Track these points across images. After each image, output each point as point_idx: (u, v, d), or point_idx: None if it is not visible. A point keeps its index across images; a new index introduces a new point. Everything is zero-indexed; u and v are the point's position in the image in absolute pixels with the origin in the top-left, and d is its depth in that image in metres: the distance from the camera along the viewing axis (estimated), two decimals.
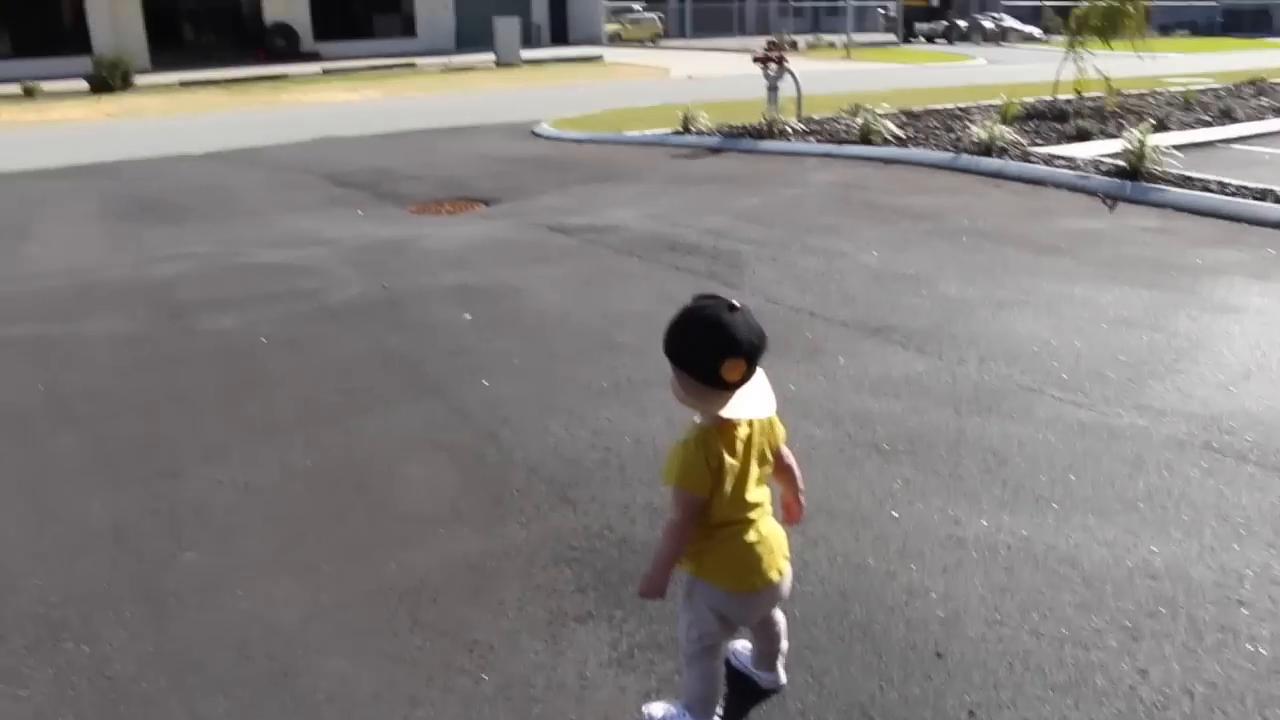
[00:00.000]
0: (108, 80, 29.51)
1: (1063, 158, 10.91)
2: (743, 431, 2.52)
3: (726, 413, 2.42)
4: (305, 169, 13.88)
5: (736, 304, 2.39)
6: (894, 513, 3.86)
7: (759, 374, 2.47)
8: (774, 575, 2.62)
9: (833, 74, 25.94)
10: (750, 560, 2.58)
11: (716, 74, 28.70)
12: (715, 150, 13.40)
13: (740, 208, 9.41)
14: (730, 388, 2.40)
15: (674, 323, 2.46)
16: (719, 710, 2.79)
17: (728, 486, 2.48)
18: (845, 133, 13.25)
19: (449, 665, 3.10)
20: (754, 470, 2.55)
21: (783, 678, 2.95)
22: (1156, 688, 2.89)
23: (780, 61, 14.46)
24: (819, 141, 13.04)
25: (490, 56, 35.58)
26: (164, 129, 20.08)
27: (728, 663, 2.92)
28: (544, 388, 5.20)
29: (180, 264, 8.31)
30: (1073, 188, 9.70)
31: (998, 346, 5.54)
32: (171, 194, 12.47)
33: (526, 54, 36.14)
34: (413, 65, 35.77)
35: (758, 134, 13.75)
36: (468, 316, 6.43)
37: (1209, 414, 4.63)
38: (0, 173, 14.91)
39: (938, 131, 13.30)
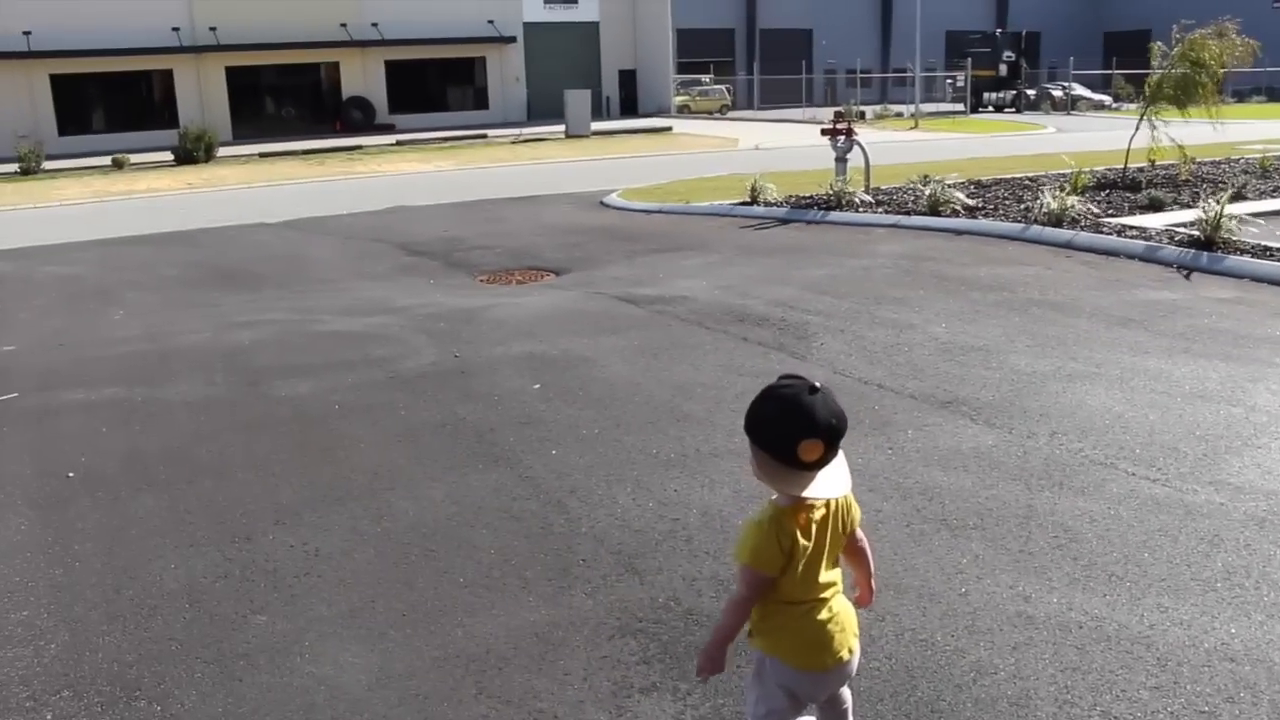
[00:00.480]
0: (192, 152, 30.54)
1: (1135, 228, 10.81)
2: (818, 512, 2.53)
3: (805, 493, 2.43)
4: (378, 238, 14.20)
5: (818, 385, 2.41)
6: (962, 589, 3.82)
7: (839, 455, 2.47)
8: (844, 654, 2.63)
9: (900, 144, 25.99)
10: (822, 639, 2.58)
11: (784, 145, 28.91)
12: (783, 221, 13.47)
13: (808, 279, 9.43)
14: (807, 468, 2.41)
15: (755, 402, 2.47)
16: None
17: (800, 566, 2.49)
18: (913, 203, 13.25)
19: None
20: (828, 550, 2.56)
21: None
22: None
23: (848, 133, 14.56)
24: (887, 212, 13.05)
25: (561, 128, 36.23)
26: (243, 198, 20.69)
27: None
28: (611, 458, 5.24)
29: (257, 330, 8.52)
30: (1146, 258, 9.59)
31: (1069, 420, 5.47)
32: (249, 262, 12.82)
33: (597, 125, 36.74)
34: (484, 136, 36.55)
35: (825, 205, 13.80)
36: (537, 386, 6.50)
37: None
38: (88, 240, 15.45)
39: (1007, 202, 13.25)
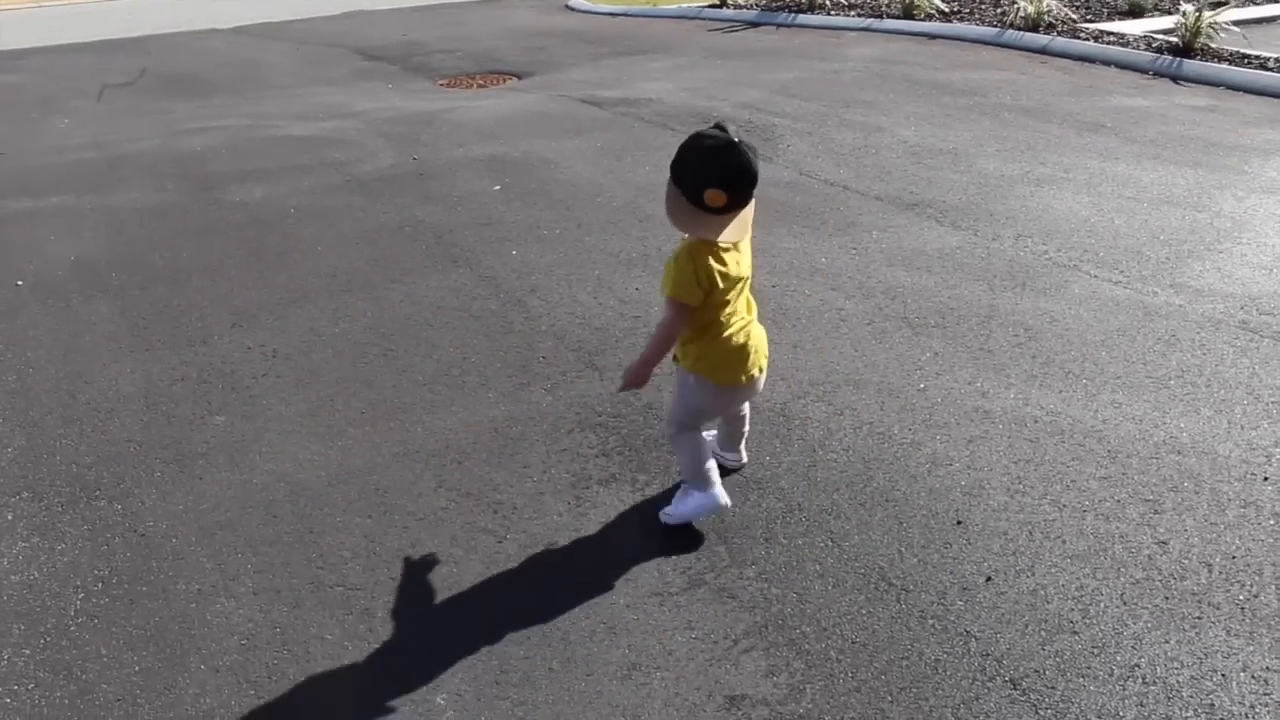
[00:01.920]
0: None
1: (1113, 33, 10.54)
2: (728, 252, 2.74)
3: (710, 235, 2.65)
4: (334, 43, 13.69)
5: (737, 140, 2.57)
6: (921, 385, 3.83)
7: (749, 208, 2.70)
8: (755, 372, 2.95)
9: None
10: (739, 359, 2.89)
11: None
12: (752, 24, 13.05)
13: (776, 82, 9.19)
14: (714, 213, 2.62)
15: (682, 146, 2.63)
16: (716, 481, 3.04)
17: (716, 297, 2.73)
18: (886, 6, 12.84)
19: (473, 525, 3.14)
20: (738, 285, 2.80)
21: (744, 457, 3.37)
22: (1175, 559, 2.88)
23: None
24: (860, 15, 12.65)
25: None
26: (192, 3, 19.80)
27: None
28: (573, 257, 5.17)
29: (209, 137, 8.25)
30: (1122, 64, 9.38)
31: (1035, 223, 5.43)
32: (199, 69, 12.35)
33: None
34: None
35: (796, 8, 13.36)
36: (497, 188, 6.36)
37: (1248, 294, 4.54)
38: (28, 48, 14.82)
39: (984, 6, 12.85)
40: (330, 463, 3.50)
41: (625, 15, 14.81)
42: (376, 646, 2.68)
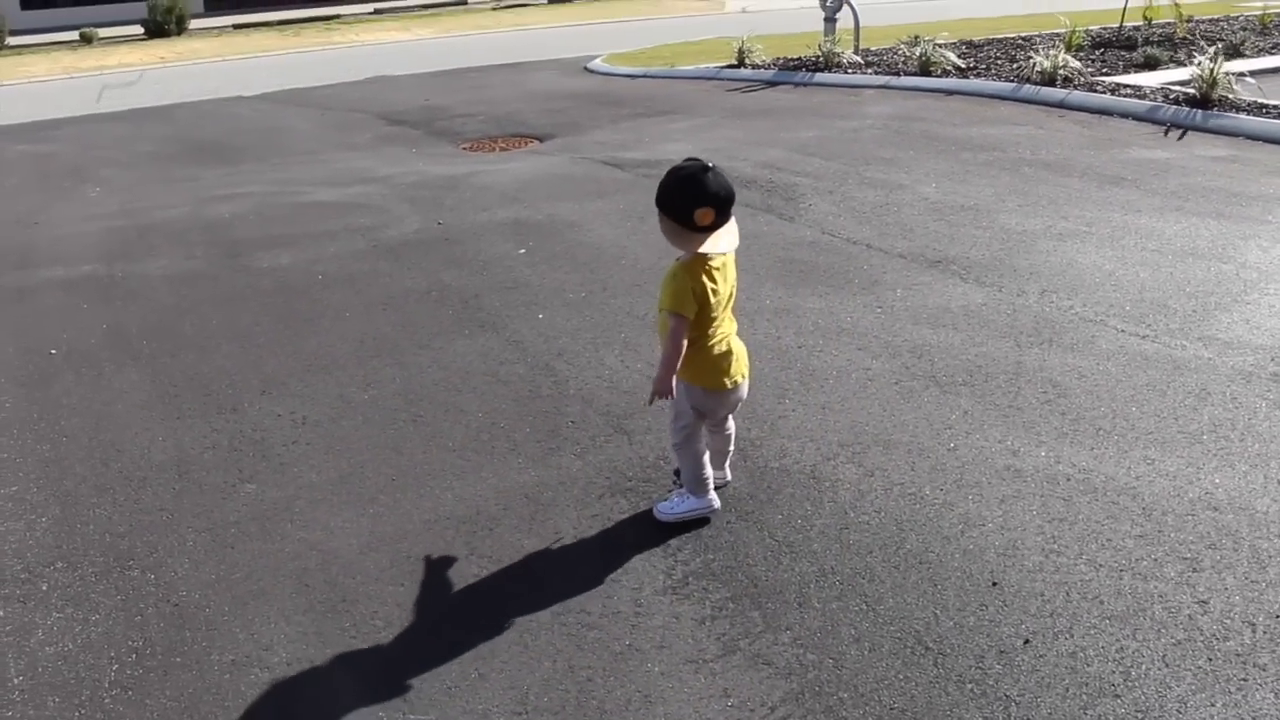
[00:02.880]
0: (163, 24, 29.68)
1: (1129, 86, 10.59)
2: (716, 264, 3.15)
3: (704, 249, 3.07)
4: (358, 108, 13.90)
5: (710, 164, 3.06)
6: (951, 444, 3.82)
7: (730, 222, 3.13)
8: (739, 378, 3.31)
9: (890, 4, 25.36)
10: (723, 366, 3.26)
11: (771, 7, 28.17)
12: (770, 83, 13.19)
13: (796, 141, 9.27)
14: (702, 230, 3.05)
15: (663, 181, 3.09)
16: (711, 489, 3.41)
17: (707, 309, 3.12)
18: (904, 64, 12.95)
19: (504, 593, 3.13)
20: (725, 297, 3.20)
21: (729, 475, 3.64)
22: (1217, 619, 2.84)
23: None
24: (876, 73, 12.77)
25: None
26: (218, 72, 20.19)
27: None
28: (599, 320, 5.20)
29: (236, 204, 8.37)
30: (1140, 117, 9.42)
31: (1059, 279, 5.43)
32: (226, 135, 12.56)
33: None
34: (465, 3, 35.55)
35: (814, 67, 13.50)
36: (522, 251, 6.42)
37: (1278, 345, 4.51)
38: (60, 118, 15.11)
39: (999, 61, 12.96)
40: (361, 530, 3.51)
41: (644, 76, 14.99)
42: (411, 717, 2.67)
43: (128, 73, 21.59)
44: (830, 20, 14.22)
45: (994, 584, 3.03)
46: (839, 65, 13.33)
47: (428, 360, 4.86)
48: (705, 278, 3.10)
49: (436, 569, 3.28)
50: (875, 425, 3.99)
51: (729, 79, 13.87)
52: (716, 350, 3.23)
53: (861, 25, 14.46)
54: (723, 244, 3.10)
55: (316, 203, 8.22)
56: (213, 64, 22.53)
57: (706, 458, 3.41)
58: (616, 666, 2.80)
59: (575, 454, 3.91)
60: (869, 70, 13.03)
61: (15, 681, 2.90)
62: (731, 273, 3.24)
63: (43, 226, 8.23)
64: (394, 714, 2.68)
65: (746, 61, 14.34)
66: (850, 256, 5.95)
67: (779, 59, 14.34)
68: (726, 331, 3.27)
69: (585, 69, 16.21)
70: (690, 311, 3.09)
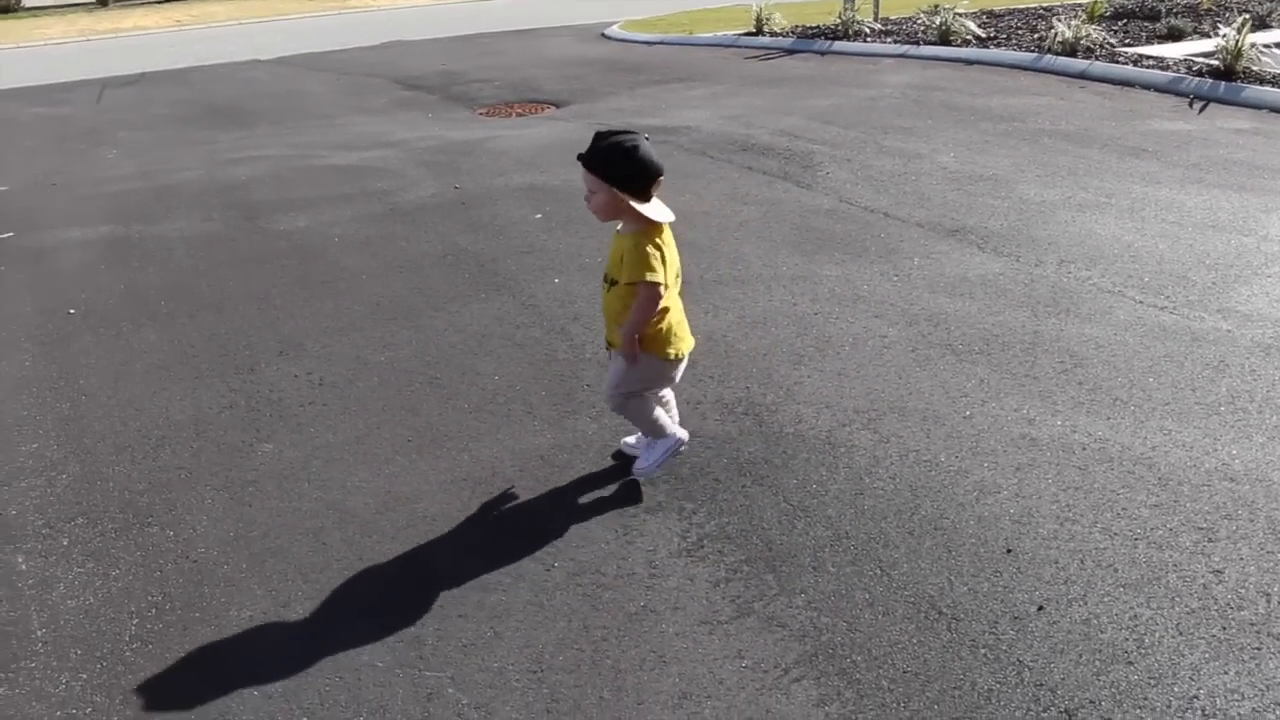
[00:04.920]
0: None
1: (1152, 57, 10.49)
2: (665, 235, 3.16)
3: (660, 217, 3.10)
4: (374, 73, 13.87)
5: (647, 136, 3.09)
6: (967, 412, 3.82)
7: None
8: (686, 348, 3.33)
9: None
10: (678, 334, 3.28)
11: None
12: (789, 51, 13.11)
13: (814, 109, 9.22)
14: (649, 200, 3.10)
15: (618, 155, 3.04)
16: (669, 425, 3.44)
17: (669, 274, 3.14)
18: (923, 33, 12.86)
19: (520, 553, 3.15)
20: (675, 261, 3.22)
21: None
22: (1232, 588, 2.84)
23: None
24: (896, 42, 12.68)
25: None
26: (234, 35, 20.13)
27: (629, 451, 3.64)
28: None
29: (253, 166, 8.38)
30: (1162, 89, 9.34)
31: (1078, 249, 5.40)
32: (242, 99, 12.56)
33: None
34: None
35: (833, 35, 13.41)
36: (538, 216, 6.42)
37: None
38: (76, 80, 15.11)
39: (1020, 31, 12.86)
40: (378, 490, 3.53)
41: (662, 44, 14.91)
42: (426, 674, 2.69)
43: (143, 35, 21.53)
44: None
45: (1008, 551, 3.03)
46: (858, 34, 13.25)
47: (444, 323, 4.87)
48: (663, 246, 3.13)
49: (452, 529, 3.29)
50: (891, 392, 3.98)
51: (747, 46, 13.80)
52: (673, 318, 3.26)
53: None
54: (668, 212, 3.14)
55: (333, 166, 8.22)
56: (229, 27, 22.48)
57: (648, 399, 3.41)
58: (631, 627, 2.82)
59: (591, 417, 3.92)
60: (888, 39, 12.94)
61: (38, 634, 2.93)
62: (671, 236, 3.24)
63: (60, 188, 8.26)
64: (410, 672, 2.70)
65: (765, 29, 14.26)
66: (867, 225, 5.92)
67: (797, 27, 14.26)
68: (677, 298, 3.30)
69: (602, 35, 16.13)
70: (663, 278, 3.10)
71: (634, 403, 3.36)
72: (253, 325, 5.00)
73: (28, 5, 28.77)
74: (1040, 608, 2.80)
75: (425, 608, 2.94)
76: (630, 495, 3.41)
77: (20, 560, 3.28)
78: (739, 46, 13.88)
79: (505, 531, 3.26)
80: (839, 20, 13.63)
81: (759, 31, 14.30)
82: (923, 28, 13.09)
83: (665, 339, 3.24)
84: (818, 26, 14.10)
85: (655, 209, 3.11)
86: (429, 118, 10.40)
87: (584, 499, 3.41)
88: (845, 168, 7.15)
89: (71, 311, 5.36)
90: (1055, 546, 3.04)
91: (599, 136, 3.10)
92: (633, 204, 3.07)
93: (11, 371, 4.69)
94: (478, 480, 3.54)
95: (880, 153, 7.52)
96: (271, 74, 14.87)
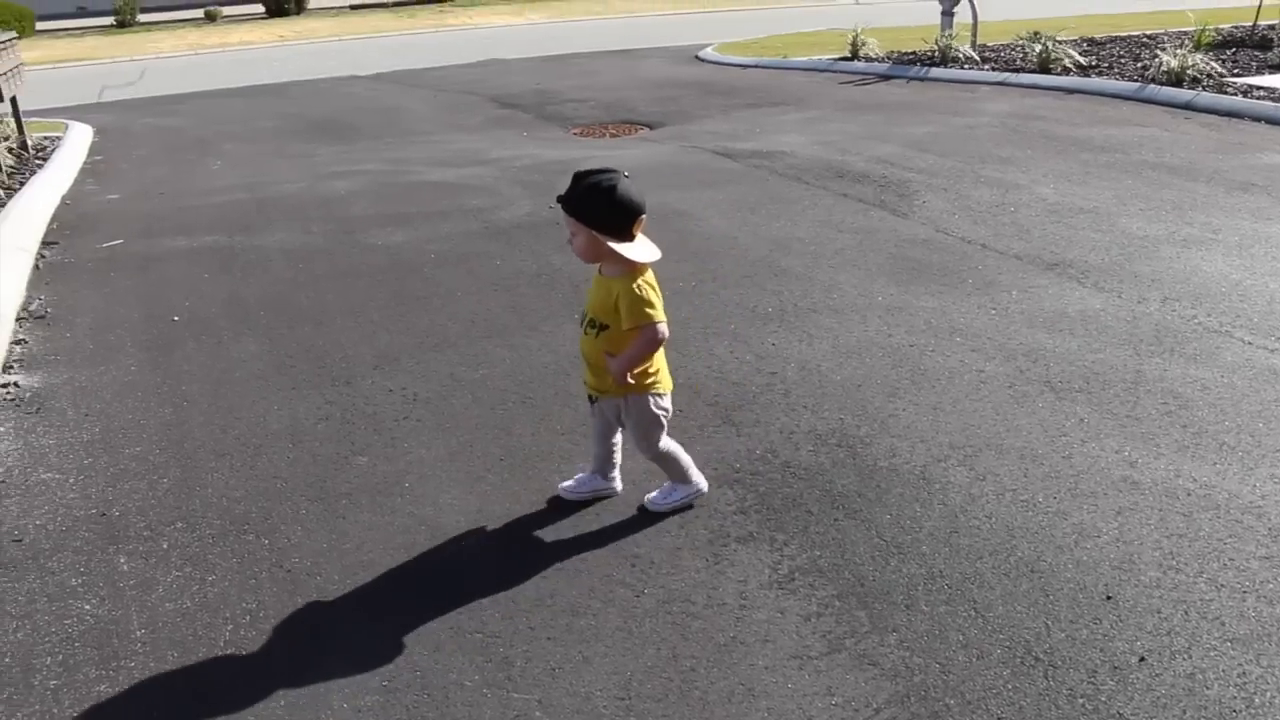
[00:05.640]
0: (283, 4, 30.45)
1: (1263, 88, 10.21)
2: (650, 272, 3.15)
3: (646, 257, 3.09)
4: (470, 90, 14.07)
5: (627, 174, 3.08)
6: (1066, 452, 3.73)
7: None
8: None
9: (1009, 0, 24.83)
10: (667, 367, 3.33)
11: None
12: (884, 77, 13.03)
13: (910, 136, 9.14)
14: (633, 239, 3.08)
15: (597, 196, 3.01)
16: (695, 473, 3.49)
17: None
18: (1022, 60, 12.69)
19: (610, 578, 3.15)
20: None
21: (619, 485, 3.62)
22: None
23: None
24: (993, 70, 12.53)
25: None
26: (334, 51, 20.59)
27: (567, 497, 3.59)
28: (708, 311, 5.19)
29: (352, 181, 8.54)
30: (1272, 121, 9.08)
31: (1182, 286, 5.26)
32: (342, 114, 12.82)
33: None
34: None
35: (929, 61, 13.30)
36: None
37: None
38: (185, 93, 15.57)
39: (1123, 60, 12.61)
40: (469, 508, 3.56)
41: (756, 67, 14.91)
42: (514, 695, 2.69)
43: (248, 50, 22.13)
44: (948, 14, 14.00)
45: (1108, 598, 2.95)
46: (955, 60, 13.12)
47: (538, 343, 4.91)
48: (654, 284, 3.14)
49: (543, 550, 3.30)
50: (987, 428, 3.91)
51: (842, 71, 13.75)
52: (662, 352, 3.27)
53: (979, 20, 14.18)
54: (653, 250, 3.13)
55: (429, 182, 8.35)
56: (329, 43, 23.00)
57: (681, 449, 3.46)
58: (720, 658, 2.80)
59: (683, 443, 3.88)
60: (985, 66, 12.79)
61: (138, 634, 3.00)
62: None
63: (168, 197, 8.51)
64: (498, 692, 2.71)
65: (860, 54, 14.20)
66: (964, 255, 5.84)
67: (893, 53, 14.17)
68: None
69: (696, 58, 16.19)
70: (663, 316, 3.11)
71: (667, 450, 3.39)
72: (349, 338, 5.09)
73: (143, 21, 29.78)
74: (1142, 659, 2.72)
75: (514, 628, 2.95)
76: (722, 524, 3.39)
77: (122, 560, 3.36)
78: (833, 71, 13.83)
79: (596, 555, 3.26)
80: (935, 46, 13.51)
81: (854, 56, 14.24)
82: (1021, 55, 12.91)
83: (661, 374, 3.28)
84: (914, 52, 13.99)
85: (639, 249, 3.09)
86: (524, 136, 10.52)
87: (675, 526, 3.40)
88: (942, 197, 7.06)
89: (176, 319, 5.51)
90: (1158, 596, 2.95)
91: (578, 177, 3.08)
92: (613, 245, 3.04)
93: (119, 375, 4.83)
94: (569, 502, 3.55)
95: (978, 182, 7.42)
96: (370, 90, 15.17)
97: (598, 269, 3.22)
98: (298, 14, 30.60)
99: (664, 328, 3.12)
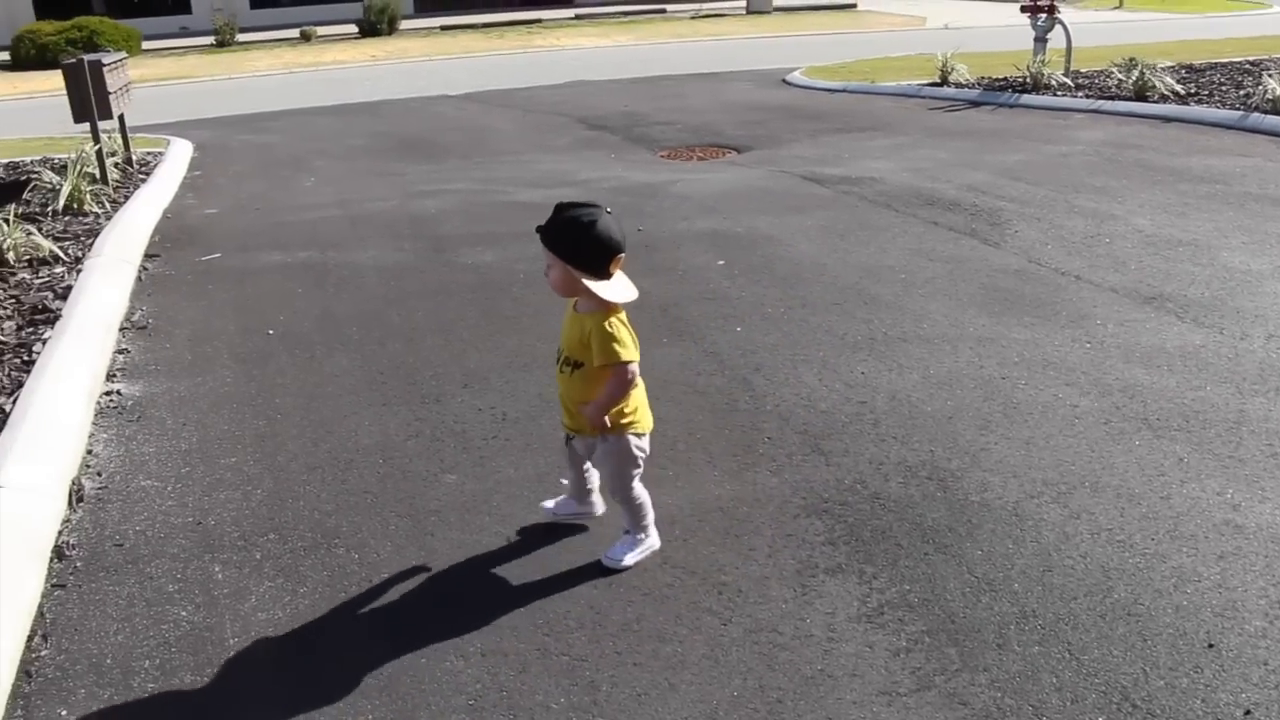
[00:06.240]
0: (375, 24, 31.09)
1: None
2: (624, 310, 3.13)
3: (620, 298, 3.06)
4: (558, 111, 14.20)
5: (609, 209, 3.02)
6: (1164, 492, 3.63)
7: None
8: (651, 419, 3.30)
9: (1104, 25, 24.42)
10: (646, 405, 3.29)
11: (976, 23, 27.53)
12: (974, 103, 12.88)
13: (1001, 164, 9.02)
14: (610, 277, 3.04)
15: (573, 230, 2.98)
16: (653, 526, 3.41)
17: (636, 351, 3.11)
18: (1117, 88, 12.46)
19: (697, 605, 3.13)
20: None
21: (600, 507, 3.61)
22: None
23: (1050, 10, 13.67)
24: (1087, 97, 12.32)
25: (741, 3, 35.34)
26: (424, 71, 20.96)
27: (549, 518, 3.62)
28: (797, 337, 5.17)
29: (441, 199, 8.67)
30: None
31: None
32: (431, 133, 13.02)
33: (778, 1, 35.67)
34: (663, 11, 35.94)
35: (1020, 87, 13.12)
36: (721, 263, 6.44)
37: None
38: (282, 110, 15.94)
39: (1223, 88, 12.32)
40: (557, 529, 3.57)
41: (844, 91, 14.85)
42: None
43: (341, 69, 22.61)
44: (1041, 40, 13.81)
45: (1210, 645, 2.87)
46: (1047, 87, 12.93)
47: None
48: (628, 323, 3.11)
49: (630, 575, 3.30)
50: (1082, 465, 3.83)
51: (930, 97, 13.62)
52: (640, 392, 3.23)
53: (1073, 46, 13.96)
54: (629, 290, 3.09)
55: (518, 203, 8.44)
56: (420, 63, 23.41)
57: (649, 499, 3.38)
58: (807, 691, 2.77)
59: (771, 471, 3.89)
60: (1079, 93, 12.59)
61: (231, 642, 3.06)
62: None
63: (263, 212, 8.71)
64: (584, 716, 2.70)
65: (949, 80, 14.06)
66: (1058, 287, 5.74)
67: (983, 78, 14.02)
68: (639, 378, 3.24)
69: (783, 81, 16.17)
70: (636, 355, 3.08)
71: (636, 495, 3.32)
72: (439, 356, 5.15)
73: (240, 40, 30.62)
74: (1247, 712, 2.63)
75: (601, 652, 2.95)
76: (811, 555, 3.36)
77: (217, 569, 3.43)
78: (922, 97, 13.71)
79: (683, 581, 3.26)
80: (1027, 73, 13.33)
81: (944, 82, 14.11)
82: (1116, 82, 12.68)
83: (640, 412, 3.22)
84: (1005, 78, 13.82)
85: (614, 289, 3.04)
86: (611, 158, 10.59)
87: (762, 554, 3.38)
88: (1034, 226, 6.95)
89: (270, 332, 5.62)
90: (1264, 646, 2.86)
91: (559, 208, 3.03)
92: (587, 282, 3.00)
93: (215, 386, 4.94)
94: (656, 527, 3.54)
95: (1071, 212, 7.29)
96: (459, 109, 15.40)
97: (572, 304, 3.20)
98: (389, 34, 31.19)
99: (635, 368, 3.08)
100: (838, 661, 2.87)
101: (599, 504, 3.60)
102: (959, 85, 13.89)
